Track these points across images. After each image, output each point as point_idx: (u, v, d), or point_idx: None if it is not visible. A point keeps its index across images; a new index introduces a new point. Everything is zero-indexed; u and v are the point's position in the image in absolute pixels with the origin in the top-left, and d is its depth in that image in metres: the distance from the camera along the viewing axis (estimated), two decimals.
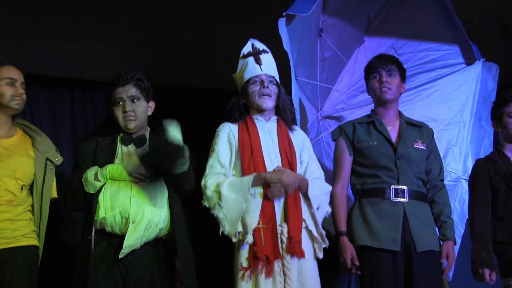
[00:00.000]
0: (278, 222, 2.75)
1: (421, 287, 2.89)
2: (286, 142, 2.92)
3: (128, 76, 2.94)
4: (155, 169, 2.70)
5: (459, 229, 3.60)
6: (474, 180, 3.22)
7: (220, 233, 2.74)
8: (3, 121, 2.85)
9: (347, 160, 3.13)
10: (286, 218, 2.76)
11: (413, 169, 3.05)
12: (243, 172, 2.80)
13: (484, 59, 3.76)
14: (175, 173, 2.72)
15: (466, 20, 3.83)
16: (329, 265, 3.12)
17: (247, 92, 2.94)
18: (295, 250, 2.70)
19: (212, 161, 2.86)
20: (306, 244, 2.77)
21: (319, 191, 2.88)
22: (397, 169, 3.03)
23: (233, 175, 2.84)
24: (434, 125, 3.56)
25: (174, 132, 2.62)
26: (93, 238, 2.74)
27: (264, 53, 2.98)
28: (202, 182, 2.82)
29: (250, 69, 2.94)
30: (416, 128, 3.19)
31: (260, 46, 3.00)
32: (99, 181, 2.78)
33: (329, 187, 2.98)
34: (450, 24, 3.69)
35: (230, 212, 2.72)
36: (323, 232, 2.84)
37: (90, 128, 4.01)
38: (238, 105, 2.97)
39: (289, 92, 3.05)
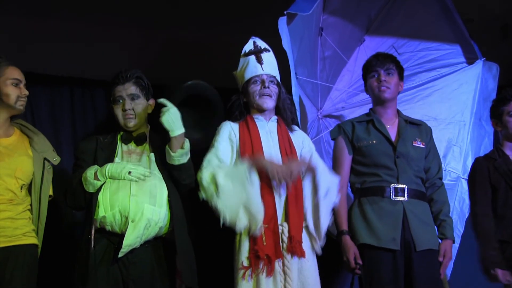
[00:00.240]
0: (279, 222, 2.75)
1: (420, 286, 2.90)
2: (287, 142, 2.92)
3: (127, 74, 2.94)
4: None
5: (459, 228, 3.61)
6: (474, 178, 3.22)
7: (221, 225, 2.69)
8: (3, 120, 2.86)
9: (346, 159, 3.13)
10: (287, 218, 2.76)
11: (412, 167, 3.06)
12: None
13: (484, 58, 3.77)
14: (174, 164, 2.77)
15: (467, 19, 3.83)
16: (329, 265, 3.13)
17: (248, 91, 2.94)
18: (295, 249, 2.71)
19: (210, 156, 2.84)
20: (306, 243, 2.77)
21: (328, 178, 2.86)
22: (396, 168, 3.03)
23: None
24: (434, 124, 3.58)
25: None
26: (93, 237, 2.73)
27: (266, 51, 2.97)
28: (198, 175, 2.78)
29: (251, 68, 2.93)
30: (415, 127, 3.19)
31: (261, 44, 3.00)
32: (98, 180, 2.77)
33: (337, 177, 2.95)
34: (451, 23, 3.70)
35: (229, 201, 2.68)
36: (324, 228, 2.81)
37: (90, 127, 4.00)
38: (239, 104, 2.97)
39: (289, 91, 3.04)
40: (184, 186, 2.89)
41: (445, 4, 3.65)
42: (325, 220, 2.81)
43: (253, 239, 2.70)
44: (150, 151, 2.95)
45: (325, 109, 3.84)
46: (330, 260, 3.15)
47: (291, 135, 2.97)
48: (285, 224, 2.75)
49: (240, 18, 3.90)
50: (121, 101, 2.94)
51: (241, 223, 2.70)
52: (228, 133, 2.91)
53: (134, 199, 2.74)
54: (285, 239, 2.72)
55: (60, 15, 3.84)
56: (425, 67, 3.81)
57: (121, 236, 2.70)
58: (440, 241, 3.06)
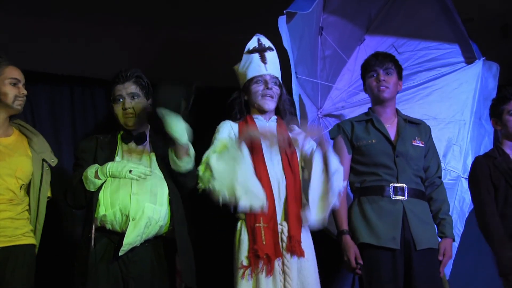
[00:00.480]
0: (278, 221, 2.74)
1: (420, 285, 2.90)
2: (286, 141, 2.90)
3: (127, 74, 2.95)
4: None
5: (458, 227, 3.61)
6: (476, 177, 3.22)
7: (220, 205, 2.67)
8: (2, 120, 2.86)
9: (346, 159, 3.12)
10: (286, 217, 2.75)
11: (411, 166, 3.06)
12: None
13: (484, 58, 3.77)
14: (180, 171, 2.77)
15: (467, 19, 3.83)
16: (329, 264, 3.13)
17: (250, 90, 2.93)
18: (295, 249, 2.71)
19: (208, 152, 2.80)
20: (306, 243, 2.77)
21: (336, 161, 2.84)
22: (396, 167, 3.03)
23: None
24: (434, 124, 3.58)
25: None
26: (93, 235, 2.73)
27: (270, 50, 2.96)
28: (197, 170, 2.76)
29: (255, 67, 2.92)
30: (414, 126, 3.19)
31: (266, 42, 2.98)
32: (99, 179, 2.77)
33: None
34: (451, 23, 3.70)
35: (224, 179, 2.64)
36: (331, 202, 2.77)
37: (90, 126, 4.01)
38: (240, 102, 2.96)
39: (289, 90, 3.04)
40: (189, 189, 2.89)
41: (445, 3, 3.66)
42: (332, 198, 2.78)
43: (252, 239, 2.70)
44: (151, 150, 2.95)
45: (325, 108, 3.84)
46: (330, 260, 3.15)
47: (290, 135, 2.96)
48: (285, 224, 2.75)
49: (240, 18, 3.90)
50: (121, 100, 2.94)
51: (243, 202, 2.65)
52: (228, 132, 2.90)
53: (134, 198, 2.74)
54: (285, 238, 2.72)
55: (61, 15, 3.84)
56: (425, 66, 3.81)
57: (121, 234, 2.71)
58: (439, 239, 3.06)
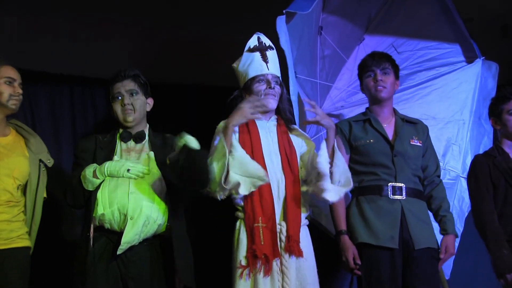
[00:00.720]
0: (277, 221, 2.74)
1: (419, 285, 2.90)
2: (286, 142, 2.90)
3: (126, 72, 2.96)
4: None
5: (458, 227, 3.59)
6: (475, 175, 3.21)
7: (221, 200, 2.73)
8: None
9: (344, 158, 3.12)
10: (285, 217, 2.75)
11: (410, 166, 3.06)
12: None
13: (484, 57, 3.78)
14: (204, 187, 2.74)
15: (466, 19, 3.83)
16: (328, 264, 3.12)
17: (252, 89, 2.91)
18: (293, 249, 2.70)
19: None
20: (304, 243, 2.77)
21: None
22: (394, 167, 3.03)
23: None
24: (433, 123, 3.59)
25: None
26: (91, 235, 2.74)
27: (270, 49, 2.95)
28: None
29: (257, 66, 2.91)
30: (411, 125, 3.19)
31: (266, 41, 2.97)
32: (97, 178, 2.78)
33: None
34: (450, 22, 3.70)
35: (218, 176, 2.69)
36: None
37: (90, 126, 4.02)
38: (241, 101, 2.95)
39: (286, 89, 3.04)
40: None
41: (445, 3, 3.66)
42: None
43: (251, 239, 2.70)
44: (150, 149, 2.95)
45: (324, 108, 3.83)
46: (329, 259, 3.15)
47: (290, 134, 2.96)
48: (283, 223, 2.74)
49: (240, 18, 3.90)
50: (120, 97, 2.95)
51: (243, 187, 2.68)
52: None
53: (133, 197, 2.74)
54: (283, 238, 2.71)
55: (61, 14, 3.85)
56: (424, 66, 3.81)
57: (119, 234, 2.71)
58: (437, 239, 3.06)
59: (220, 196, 2.73)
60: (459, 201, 3.68)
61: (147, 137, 2.99)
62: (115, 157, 2.88)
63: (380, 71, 3.14)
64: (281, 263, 2.69)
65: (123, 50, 4.04)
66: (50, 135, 3.83)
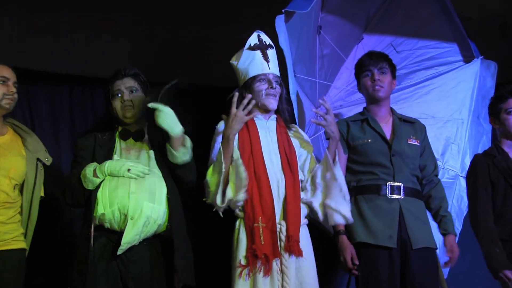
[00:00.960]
0: (277, 220, 2.74)
1: (417, 285, 2.91)
2: (285, 141, 2.90)
3: (126, 71, 2.98)
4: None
5: (457, 226, 3.60)
6: (474, 175, 3.22)
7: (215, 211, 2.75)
8: None
9: (342, 158, 3.12)
10: (285, 216, 2.75)
11: (408, 165, 3.07)
12: None
13: (482, 56, 3.78)
14: (177, 162, 2.78)
15: (465, 18, 3.83)
16: (327, 263, 3.13)
17: (253, 88, 2.89)
18: (293, 248, 2.70)
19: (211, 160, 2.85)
20: (304, 242, 2.77)
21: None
22: (392, 166, 3.04)
23: None
24: (432, 123, 3.59)
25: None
26: (92, 234, 2.73)
27: (270, 48, 2.94)
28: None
29: (258, 64, 2.90)
30: (409, 125, 3.20)
31: (266, 39, 2.97)
32: (97, 177, 2.77)
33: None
34: (449, 22, 3.70)
35: (216, 189, 2.72)
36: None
37: (90, 125, 4.01)
38: (241, 99, 2.94)
39: (286, 89, 3.05)
40: (187, 183, 2.90)
41: (444, 3, 3.66)
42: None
43: (251, 238, 2.70)
44: (149, 148, 2.95)
45: (323, 107, 3.83)
46: (328, 258, 3.16)
47: (289, 133, 2.97)
48: (283, 223, 2.74)
49: (240, 18, 3.90)
50: (120, 94, 2.95)
51: (239, 196, 2.70)
52: None
53: (133, 197, 2.74)
54: (283, 238, 2.71)
55: (60, 14, 3.85)
56: (423, 65, 3.82)
57: (120, 233, 2.70)
58: (442, 237, 3.07)
59: (220, 210, 2.75)
60: (457, 200, 3.68)
61: (146, 135, 2.99)
62: (115, 156, 2.88)
63: (378, 70, 3.14)
64: (281, 263, 2.69)
65: (123, 50, 4.04)
66: (50, 135, 3.83)
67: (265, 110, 2.93)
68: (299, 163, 2.91)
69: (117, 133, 2.99)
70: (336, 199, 2.79)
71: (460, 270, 3.54)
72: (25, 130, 2.98)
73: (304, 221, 2.82)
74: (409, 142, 3.12)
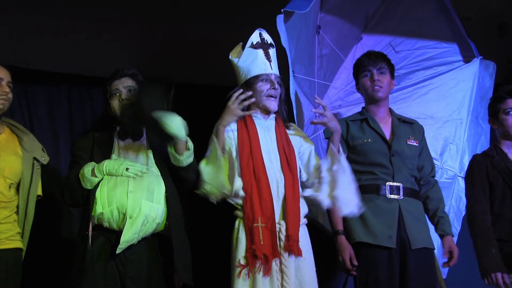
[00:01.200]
0: (276, 220, 2.74)
1: (416, 285, 2.91)
2: (285, 140, 2.90)
3: (124, 71, 2.97)
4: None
5: (456, 226, 3.61)
6: (472, 175, 3.22)
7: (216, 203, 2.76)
8: None
9: None
10: (284, 216, 2.75)
11: (407, 165, 3.07)
12: (242, 170, 2.78)
13: (481, 57, 3.78)
14: (182, 166, 2.79)
15: (464, 18, 3.83)
16: (326, 263, 3.13)
17: (254, 88, 2.88)
18: (292, 248, 2.70)
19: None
20: (303, 242, 2.77)
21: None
22: (392, 166, 3.04)
23: None
24: (431, 123, 3.60)
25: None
26: (90, 233, 2.73)
27: (272, 47, 2.94)
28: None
29: (260, 64, 2.89)
30: (408, 125, 3.21)
31: (268, 38, 2.96)
32: (96, 176, 2.77)
33: None
34: (448, 21, 3.70)
35: (213, 179, 2.73)
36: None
37: (88, 125, 4.01)
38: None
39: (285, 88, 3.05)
40: (192, 183, 2.88)
41: (443, 3, 3.66)
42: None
43: (250, 238, 2.70)
44: (148, 147, 2.95)
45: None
46: (327, 259, 3.16)
47: (289, 133, 2.97)
48: (283, 223, 2.74)
49: (240, 18, 3.90)
50: (118, 93, 2.95)
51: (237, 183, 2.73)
52: (227, 131, 2.90)
53: (131, 196, 2.74)
54: (283, 237, 2.71)
55: (60, 13, 3.85)
56: (422, 65, 3.81)
57: (118, 233, 2.70)
58: (439, 238, 3.07)
59: (212, 199, 2.77)
60: (456, 200, 3.68)
61: (144, 135, 2.99)
62: (113, 156, 2.88)
63: (377, 71, 3.15)
64: (281, 263, 2.69)
65: (123, 49, 4.04)
66: (48, 134, 3.83)
67: (266, 111, 2.93)
68: (303, 161, 2.92)
69: (115, 133, 2.98)
70: (346, 189, 2.80)
71: (459, 270, 3.54)
72: (22, 130, 2.96)
73: (303, 220, 2.82)
74: (408, 142, 3.12)
